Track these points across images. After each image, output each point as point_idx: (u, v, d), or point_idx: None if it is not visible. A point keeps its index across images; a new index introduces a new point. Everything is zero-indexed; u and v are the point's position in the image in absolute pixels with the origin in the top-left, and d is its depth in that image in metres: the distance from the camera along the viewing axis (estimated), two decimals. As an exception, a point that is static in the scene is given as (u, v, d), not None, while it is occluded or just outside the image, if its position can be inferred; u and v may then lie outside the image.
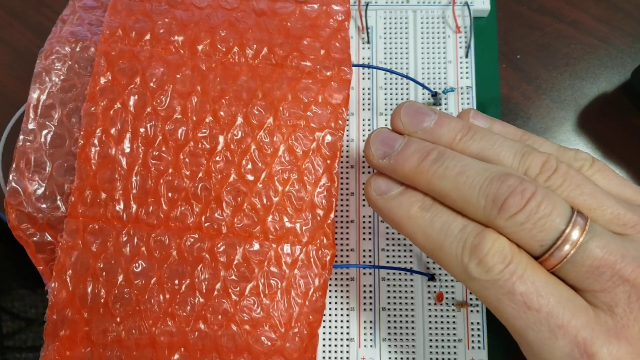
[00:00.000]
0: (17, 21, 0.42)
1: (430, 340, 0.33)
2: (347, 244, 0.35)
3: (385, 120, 0.36)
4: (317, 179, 0.31)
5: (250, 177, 0.31)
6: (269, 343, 0.29)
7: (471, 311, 0.33)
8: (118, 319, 0.29)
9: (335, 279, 0.34)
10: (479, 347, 0.33)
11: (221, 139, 0.31)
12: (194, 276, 0.29)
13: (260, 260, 0.30)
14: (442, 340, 0.33)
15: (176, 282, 0.29)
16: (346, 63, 0.32)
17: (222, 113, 0.31)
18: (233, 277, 0.29)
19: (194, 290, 0.29)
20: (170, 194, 0.30)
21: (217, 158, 0.31)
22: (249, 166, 0.31)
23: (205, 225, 0.30)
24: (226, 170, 0.30)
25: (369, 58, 0.37)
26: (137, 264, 0.29)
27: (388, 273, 0.34)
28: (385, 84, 0.37)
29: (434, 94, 0.36)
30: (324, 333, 0.33)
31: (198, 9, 0.33)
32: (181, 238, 0.30)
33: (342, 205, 0.35)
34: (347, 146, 0.36)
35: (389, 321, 0.34)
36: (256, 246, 0.30)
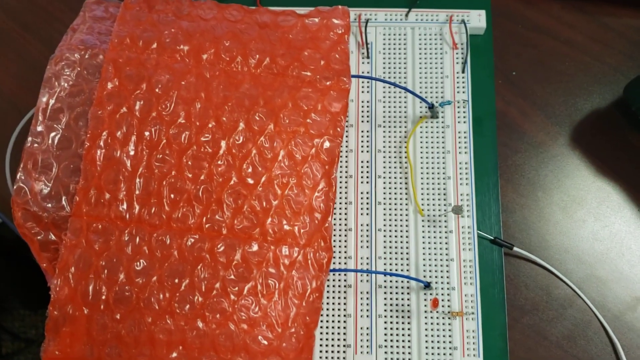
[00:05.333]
0: (28, 34, 0.43)
1: (426, 347, 0.34)
2: (345, 252, 0.35)
3: (384, 131, 0.37)
4: (316, 183, 0.32)
5: (250, 181, 0.31)
6: (266, 342, 0.29)
7: (466, 319, 0.34)
8: (118, 316, 0.29)
9: (333, 285, 0.34)
10: (475, 355, 0.33)
11: (223, 143, 0.32)
12: (193, 275, 0.30)
13: (259, 261, 0.30)
14: (438, 347, 0.34)
15: (176, 280, 0.30)
16: (345, 73, 0.34)
17: (224, 119, 0.32)
18: (232, 277, 0.30)
19: (193, 289, 0.30)
20: (172, 196, 0.31)
21: (219, 162, 0.32)
22: (250, 170, 0.32)
23: (206, 226, 0.31)
24: (227, 174, 0.31)
25: (368, 72, 0.38)
26: (138, 263, 0.30)
27: (385, 280, 0.35)
28: (384, 96, 0.38)
29: (431, 106, 0.37)
30: (321, 339, 0.33)
31: (203, 21, 0.34)
32: (182, 238, 0.30)
33: (340, 213, 0.36)
34: (346, 156, 0.37)
35: (385, 328, 0.34)
36: (255, 247, 0.31)
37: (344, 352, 0.33)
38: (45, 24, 0.44)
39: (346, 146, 0.37)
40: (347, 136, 0.37)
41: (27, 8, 0.44)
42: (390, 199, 0.36)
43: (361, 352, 0.34)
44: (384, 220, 0.36)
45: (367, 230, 0.36)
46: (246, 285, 0.30)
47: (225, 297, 0.30)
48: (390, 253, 0.35)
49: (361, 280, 0.35)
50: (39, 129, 0.31)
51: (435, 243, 0.35)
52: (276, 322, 0.30)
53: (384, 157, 0.37)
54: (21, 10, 0.44)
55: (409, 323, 0.34)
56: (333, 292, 0.34)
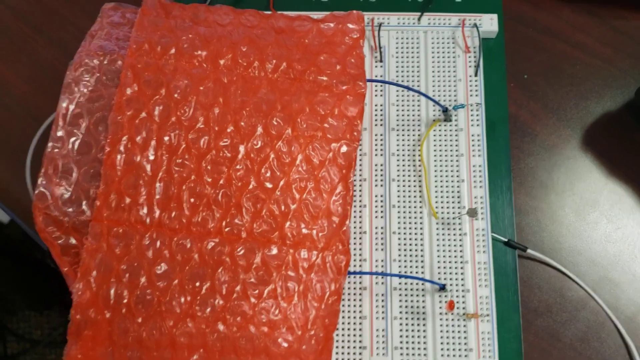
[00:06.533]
0: (41, 37, 0.43)
1: (442, 349, 0.34)
2: (361, 254, 0.35)
3: (397, 135, 0.37)
4: (333, 187, 0.32)
5: (269, 185, 0.32)
6: (286, 345, 0.30)
7: (482, 321, 0.34)
8: (139, 320, 0.30)
9: (349, 288, 0.35)
10: (490, 357, 0.34)
11: (242, 148, 0.32)
12: (214, 279, 0.30)
13: (278, 264, 0.31)
14: (454, 349, 0.34)
15: (197, 284, 0.30)
16: (361, 78, 0.34)
17: (242, 124, 0.32)
18: (252, 280, 0.30)
19: (214, 292, 0.30)
20: (192, 200, 0.31)
21: (238, 166, 0.32)
22: (268, 174, 0.32)
23: (226, 230, 0.31)
24: (246, 178, 0.32)
25: (381, 76, 0.39)
26: (159, 267, 0.30)
27: (400, 283, 0.35)
28: (397, 100, 0.38)
29: (445, 110, 0.37)
30: (337, 341, 0.34)
31: (220, 26, 0.34)
32: (202, 242, 0.31)
33: (355, 216, 0.36)
34: (360, 160, 0.37)
35: (400, 330, 0.34)
36: (274, 251, 0.31)
37: (360, 353, 0.34)
38: (58, 27, 0.44)
39: (360, 150, 0.37)
40: (361, 140, 0.37)
41: (40, 11, 0.45)
42: (404, 202, 0.36)
43: (377, 354, 0.34)
44: (399, 223, 0.36)
45: (382, 233, 0.36)
46: (266, 288, 0.30)
47: (246, 300, 0.30)
48: (405, 256, 0.35)
49: (376, 283, 0.35)
50: (59, 134, 0.32)
51: (449, 245, 0.35)
52: (296, 325, 0.30)
53: (398, 160, 0.37)
54: (33, 13, 0.45)
55: (424, 325, 0.34)
56: (349, 294, 0.35)
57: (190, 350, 0.30)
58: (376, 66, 0.39)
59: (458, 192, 0.36)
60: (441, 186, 0.37)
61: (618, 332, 0.35)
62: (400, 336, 0.34)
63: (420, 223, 0.36)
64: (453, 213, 0.36)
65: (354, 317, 0.34)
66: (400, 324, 0.34)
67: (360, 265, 0.35)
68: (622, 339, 0.35)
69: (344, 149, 0.33)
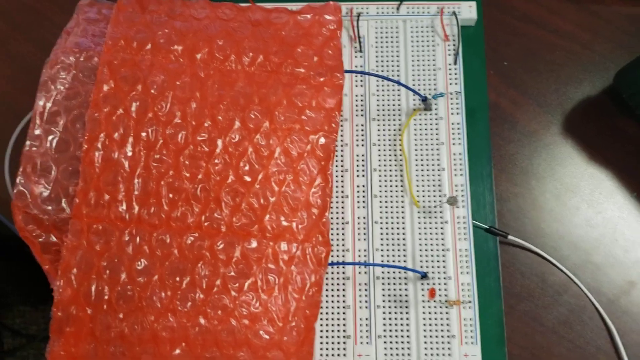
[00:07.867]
0: (20, 35, 0.43)
1: (425, 336, 0.34)
2: (343, 245, 0.36)
3: (378, 125, 0.38)
4: (312, 179, 0.32)
5: (247, 179, 0.32)
6: (267, 337, 0.30)
7: (464, 307, 0.34)
8: (121, 316, 0.30)
9: (332, 278, 0.35)
10: (472, 343, 0.34)
11: (219, 142, 0.32)
12: (194, 273, 0.30)
13: (258, 257, 0.31)
14: (436, 336, 0.34)
15: (177, 279, 0.30)
16: (338, 69, 0.34)
17: (220, 118, 0.32)
18: (232, 273, 0.31)
19: (194, 287, 0.30)
20: (171, 195, 0.31)
21: (216, 160, 0.32)
22: (247, 168, 0.32)
23: (205, 224, 0.31)
24: (224, 172, 0.32)
25: (361, 66, 0.39)
26: (139, 262, 0.30)
27: (382, 272, 0.35)
28: (378, 90, 0.38)
29: (424, 99, 0.37)
30: (321, 331, 0.34)
31: (196, 20, 0.34)
32: (182, 237, 0.31)
33: (337, 207, 0.36)
34: (342, 150, 0.37)
35: (384, 318, 0.34)
36: (254, 244, 0.31)
37: (344, 343, 0.34)
38: (36, 24, 0.43)
39: (341, 140, 0.37)
40: (341, 130, 0.37)
41: (18, 9, 0.44)
42: (386, 191, 0.37)
43: (361, 343, 0.34)
44: (380, 212, 0.36)
45: (364, 223, 0.36)
46: (246, 281, 0.31)
47: (226, 293, 0.30)
48: (387, 245, 0.36)
49: (359, 272, 0.35)
50: (37, 132, 0.32)
51: (431, 234, 0.36)
52: (277, 317, 0.30)
53: (379, 150, 0.37)
54: (11, 11, 0.44)
55: (407, 313, 0.34)
56: (332, 284, 0.35)
57: (172, 344, 0.30)
58: (356, 56, 0.39)
59: (439, 180, 0.37)
60: (422, 175, 0.37)
61: (599, 315, 0.36)
62: (384, 325, 0.34)
63: (402, 212, 0.36)
64: (434, 201, 0.36)
65: (338, 307, 0.35)
66: (384, 313, 0.35)
67: (343, 256, 0.35)
68: (603, 322, 0.36)
69: (322, 140, 0.33)
